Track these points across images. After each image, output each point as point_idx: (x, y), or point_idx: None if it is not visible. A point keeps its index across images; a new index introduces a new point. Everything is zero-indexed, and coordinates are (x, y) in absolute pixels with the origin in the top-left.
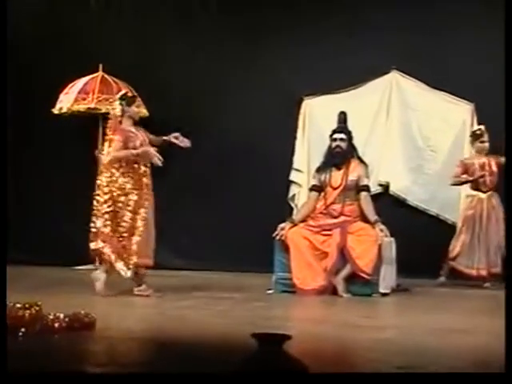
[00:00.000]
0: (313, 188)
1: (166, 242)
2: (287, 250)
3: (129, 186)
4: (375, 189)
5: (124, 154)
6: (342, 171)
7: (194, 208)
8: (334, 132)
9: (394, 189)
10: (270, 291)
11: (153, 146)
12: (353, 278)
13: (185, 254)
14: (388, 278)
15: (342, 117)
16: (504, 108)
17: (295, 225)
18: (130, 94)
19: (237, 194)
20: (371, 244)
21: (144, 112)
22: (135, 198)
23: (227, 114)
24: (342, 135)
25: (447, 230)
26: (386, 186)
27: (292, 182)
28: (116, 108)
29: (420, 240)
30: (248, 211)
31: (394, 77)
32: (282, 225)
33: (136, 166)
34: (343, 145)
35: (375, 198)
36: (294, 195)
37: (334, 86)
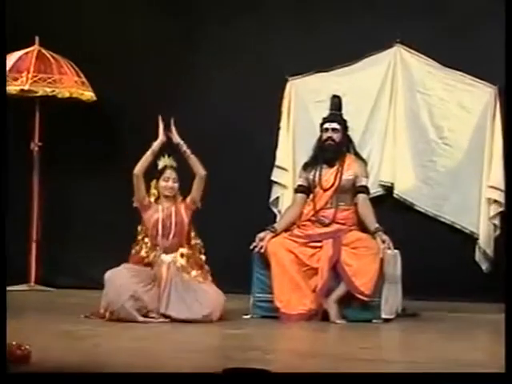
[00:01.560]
0: (299, 189)
1: (119, 257)
2: (268, 265)
3: None
4: (376, 190)
5: None
6: (334, 169)
7: None
8: (326, 120)
9: (398, 190)
10: (247, 316)
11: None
12: (348, 301)
13: None
14: (392, 300)
15: (336, 101)
16: None
17: (277, 234)
18: (160, 166)
19: (206, 198)
20: (370, 258)
21: (89, 95)
22: None
23: (194, 100)
24: (335, 124)
25: (464, 241)
26: (389, 187)
27: (274, 182)
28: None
29: (430, 253)
30: (221, 219)
31: (399, 52)
32: (262, 234)
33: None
34: (336, 136)
35: (376, 201)
36: (276, 198)
37: (325, 63)
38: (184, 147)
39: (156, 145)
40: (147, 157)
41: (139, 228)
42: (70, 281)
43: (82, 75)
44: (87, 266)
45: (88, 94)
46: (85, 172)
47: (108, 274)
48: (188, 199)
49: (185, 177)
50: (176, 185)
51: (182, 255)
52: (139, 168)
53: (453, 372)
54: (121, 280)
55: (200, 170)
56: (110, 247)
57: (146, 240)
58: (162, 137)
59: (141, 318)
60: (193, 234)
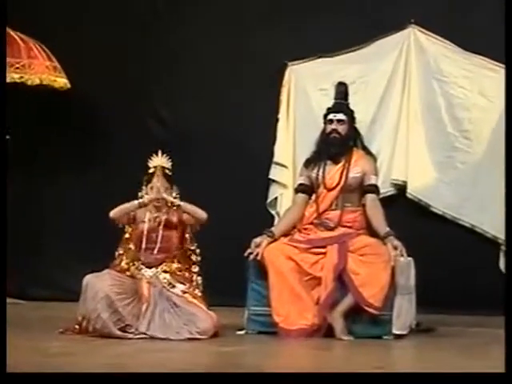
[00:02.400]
0: (300, 188)
1: (97, 265)
2: (264, 274)
3: None
4: (386, 190)
5: None
6: (340, 165)
7: None
8: (330, 111)
9: (412, 190)
10: (241, 332)
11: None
12: (356, 314)
13: None
14: (404, 313)
15: (342, 90)
16: None
17: (275, 240)
18: (151, 170)
19: (197, 199)
20: (381, 266)
21: (62, 82)
22: None
23: (183, 91)
24: (341, 115)
25: (486, 247)
26: (401, 186)
27: (272, 181)
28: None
29: (448, 260)
30: (211, 222)
31: (413, 34)
32: (258, 240)
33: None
34: (342, 128)
35: (387, 202)
36: (275, 199)
37: (329, 46)
38: (171, 199)
39: (148, 199)
40: (133, 206)
41: (126, 227)
42: (43, 292)
43: (54, 59)
44: (61, 275)
45: (61, 81)
46: (59, 170)
47: (87, 279)
48: (185, 218)
49: (185, 176)
50: (166, 194)
51: (165, 271)
52: (118, 214)
53: (453, 372)
54: (99, 286)
55: (202, 216)
56: (86, 255)
57: (131, 245)
58: (157, 195)
59: (118, 333)
60: (188, 239)
